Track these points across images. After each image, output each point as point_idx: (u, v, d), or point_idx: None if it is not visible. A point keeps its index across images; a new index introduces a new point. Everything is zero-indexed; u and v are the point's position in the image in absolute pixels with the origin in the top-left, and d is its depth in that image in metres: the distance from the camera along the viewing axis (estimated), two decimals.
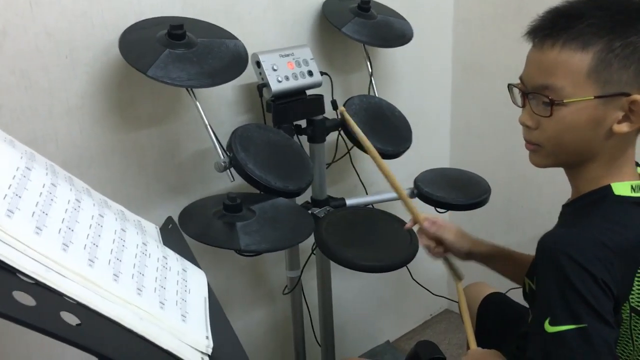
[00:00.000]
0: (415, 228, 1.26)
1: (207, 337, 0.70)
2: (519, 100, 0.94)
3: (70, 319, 0.56)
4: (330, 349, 1.71)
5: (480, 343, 1.28)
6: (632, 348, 0.90)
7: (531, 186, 1.90)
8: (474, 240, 1.20)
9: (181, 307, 0.72)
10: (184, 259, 0.83)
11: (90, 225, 0.69)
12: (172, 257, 0.80)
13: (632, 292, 0.85)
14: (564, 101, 0.85)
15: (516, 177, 1.92)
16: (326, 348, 1.71)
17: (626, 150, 0.90)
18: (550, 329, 0.81)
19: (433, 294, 1.99)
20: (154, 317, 0.66)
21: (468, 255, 1.20)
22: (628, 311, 0.86)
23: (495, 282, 1.37)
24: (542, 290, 0.85)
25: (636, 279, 0.85)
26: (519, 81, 0.93)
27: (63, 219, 0.66)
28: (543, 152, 0.93)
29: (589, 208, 0.90)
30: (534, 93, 0.89)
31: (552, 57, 0.86)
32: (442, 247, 1.20)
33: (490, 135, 1.97)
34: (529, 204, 1.91)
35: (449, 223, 1.21)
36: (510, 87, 0.95)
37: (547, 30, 0.87)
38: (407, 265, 1.34)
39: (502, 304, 1.32)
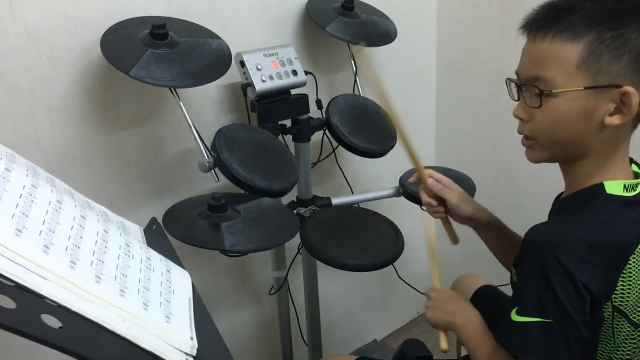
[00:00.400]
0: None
1: (191, 338, 0.70)
2: (514, 94, 0.94)
3: (52, 321, 0.56)
4: (317, 348, 1.71)
5: None
6: (613, 344, 0.91)
7: (516, 184, 1.91)
8: (477, 206, 1.18)
9: (165, 308, 0.72)
10: (168, 260, 0.82)
11: (72, 227, 0.68)
12: (156, 258, 0.79)
13: (616, 292, 0.86)
14: (553, 91, 0.86)
15: (501, 175, 1.93)
16: (313, 347, 1.71)
17: (619, 146, 0.90)
18: (516, 317, 0.83)
19: (420, 292, 2.00)
20: (137, 319, 0.65)
21: (468, 220, 1.17)
22: (610, 310, 0.87)
23: (487, 275, 1.37)
24: (521, 280, 0.87)
25: (621, 279, 0.85)
26: (515, 76, 0.94)
27: (44, 220, 0.65)
28: (538, 147, 0.93)
29: (580, 205, 0.90)
30: (526, 85, 0.89)
31: (543, 48, 0.86)
32: (442, 208, 1.18)
33: (475, 134, 1.98)
34: (514, 201, 1.93)
35: (454, 185, 1.19)
36: (507, 81, 0.95)
37: (539, 23, 0.88)
38: (393, 263, 1.34)
39: (492, 297, 1.31)
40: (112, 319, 0.62)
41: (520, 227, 0.94)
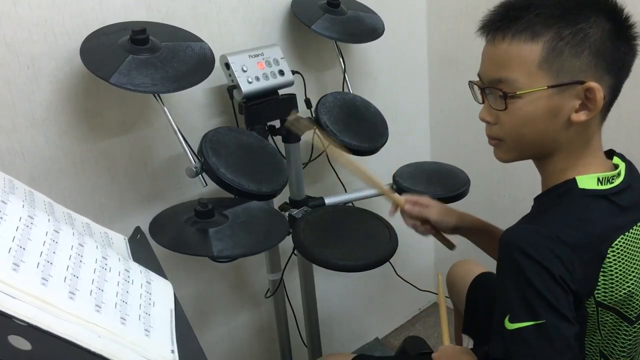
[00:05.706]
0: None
1: (172, 351, 0.68)
2: (479, 96, 0.93)
3: (21, 343, 0.54)
4: (317, 349, 1.70)
5: (469, 325, 1.27)
6: (599, 338, 0.89)
7: (511, 177, 1.89)
8: (460, 214, 1.20)
9: (144, 321, 0.70)
10: (149, 271, 0.80)
11: (44, 243, 0.67)
12: (135, 269, 0.78)
13: (598, 288, 0.84)
14: (517, 93, 0.85)
15: (497, 168, 1.91)
16: (312, 349, 1.70)
17: (590, 140, 0.89)
18: (510, 325, 0.80)
19: (419, 289, 1.98)
20: (114, 334, 0.64)
21: (454, 230, 1.20)
22: (594, 306, 0.85)
23: (484, 260, 1.35)
24: (502, 287, 0.84)
25: (602, 274, 0.83)
26: (477, 78, 0.93)
27: (14, 237, 0.63)
28: (505, 147, 0.92)
29: (552, 202, 0.89)
30: (489, 87, 0.89)
31: (502, 49, 0.85)
32: (428, 225, 1.21)
33: (469, 127, 1.96)
34: (510, 193, 1.91)
35: (432, 201, 1.22)
36: (470, 84, 0.95)
37: (497, 24, 0.87)
38: (391, 261, 1.32)
39: (490, 285, 1.30)
40: (87, 336, 0.60)
41: (515, 219, 0.93)
